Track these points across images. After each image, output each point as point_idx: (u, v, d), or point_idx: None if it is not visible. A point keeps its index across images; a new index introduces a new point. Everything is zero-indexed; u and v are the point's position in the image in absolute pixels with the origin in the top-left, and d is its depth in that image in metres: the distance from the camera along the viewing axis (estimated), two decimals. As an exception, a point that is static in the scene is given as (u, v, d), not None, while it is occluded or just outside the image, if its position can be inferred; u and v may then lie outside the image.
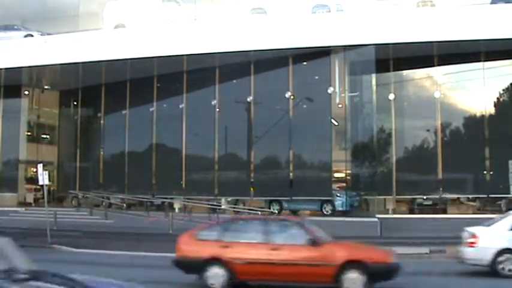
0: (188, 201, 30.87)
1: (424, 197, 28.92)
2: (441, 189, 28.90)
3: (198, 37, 28.06)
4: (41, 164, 23.87)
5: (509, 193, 26.82)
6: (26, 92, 35.45)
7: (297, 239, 12.19)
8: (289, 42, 27.06)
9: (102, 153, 34.56)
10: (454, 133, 29.10)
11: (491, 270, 13.89)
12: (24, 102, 35.44)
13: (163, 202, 32.05)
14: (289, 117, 29.01)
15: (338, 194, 27.75)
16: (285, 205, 28.38)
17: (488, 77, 27.66)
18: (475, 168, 27.65)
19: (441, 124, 28.66)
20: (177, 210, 30.28)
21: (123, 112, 33.60)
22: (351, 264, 11.59)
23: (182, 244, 12.85)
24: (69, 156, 35.78)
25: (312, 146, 28.55)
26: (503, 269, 13.72)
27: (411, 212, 28.76)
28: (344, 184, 28.42)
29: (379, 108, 29.07)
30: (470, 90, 29.53)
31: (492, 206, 28.45)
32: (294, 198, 28.21)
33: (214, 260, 12.10)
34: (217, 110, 30.58)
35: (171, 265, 12.89)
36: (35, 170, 30.05)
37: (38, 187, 30.55)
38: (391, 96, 29.03)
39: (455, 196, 32.15)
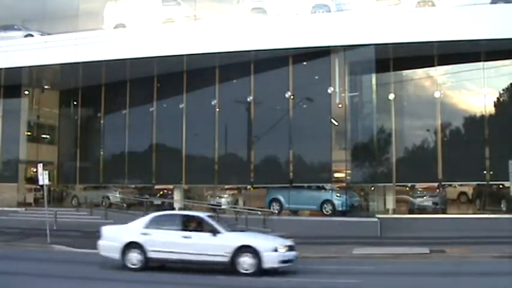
0: (188, 201, 30.93)
1: (424, 197, 28.97)
2: (441, 188, 28.93)
3: (198, 37, 28.06)
4: (41, 164, 23.89)
5: (509, 193, 26.80)
6: (26, 92, 35.42)
7: None
8: (289, 42, 27.03)
9: (102, 153, 34.52)
10: (454, 133, 29.05)
11: None
12: (24, 102, 35.39)
13: (163, 202, 32.07)
14: (289, 117, 29.00)
15: (338, 194, 27.80)
16: (285, 205, 28.45)
17: (488, 77, 27.65)
18: (475, 168, 27.61)
19: (441, 124, 28.63)
20: (177, 210, 30.22)
21: (123, 112, 33.58)
22: None
23: None
24: (69, 156, 35.74)
25: (312, 146, 28.52)
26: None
27: (411, 212, 28.78)
28: (344, 184, 28.43)
29: (379, 108, 29.03)
30: (470, 90, 29.48)
31: (492, 206, 28.47)
32: (293, 197, 28.26)
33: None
34: (217, 110, 30.57)
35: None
36: (35, 170, 30.06)
37: (38, 187, 30.58)
38: (391, 96, 29.01)
39: (455, 196, 32.32)
